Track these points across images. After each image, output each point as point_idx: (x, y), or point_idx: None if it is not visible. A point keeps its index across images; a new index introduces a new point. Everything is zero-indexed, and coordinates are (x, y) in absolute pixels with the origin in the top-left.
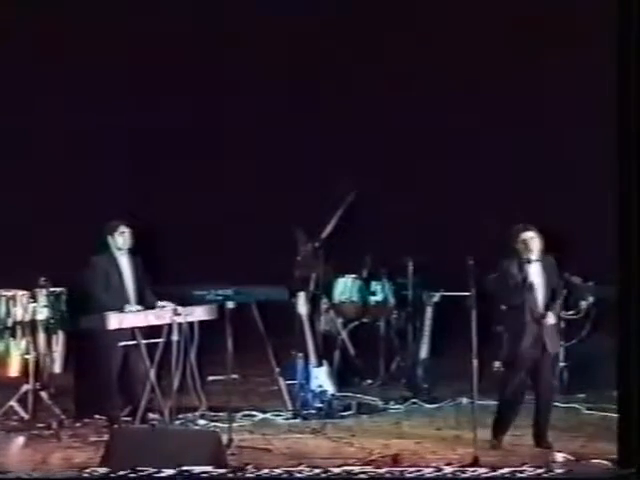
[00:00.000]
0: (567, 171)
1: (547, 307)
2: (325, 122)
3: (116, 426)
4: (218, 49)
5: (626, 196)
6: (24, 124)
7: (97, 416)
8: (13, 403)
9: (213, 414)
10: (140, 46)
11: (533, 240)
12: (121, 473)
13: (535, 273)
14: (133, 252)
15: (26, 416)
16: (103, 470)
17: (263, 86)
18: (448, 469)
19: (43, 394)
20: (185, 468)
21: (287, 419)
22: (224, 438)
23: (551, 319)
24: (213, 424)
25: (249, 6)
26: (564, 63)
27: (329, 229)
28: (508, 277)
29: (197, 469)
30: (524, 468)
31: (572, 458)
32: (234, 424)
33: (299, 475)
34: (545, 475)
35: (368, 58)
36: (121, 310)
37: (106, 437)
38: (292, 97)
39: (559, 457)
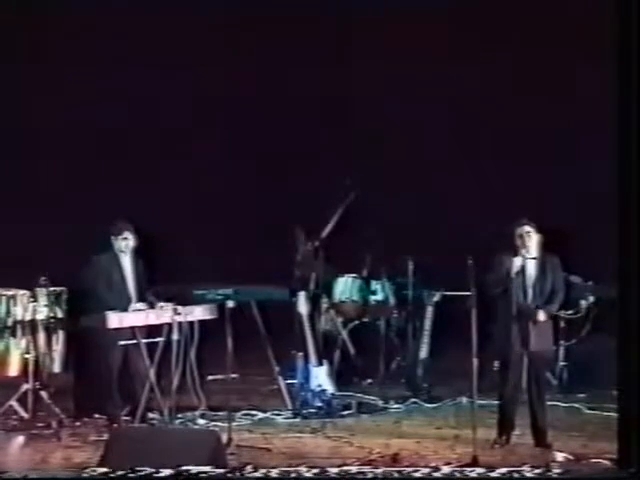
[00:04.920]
0: (567, 170)
1: (536, 304)
2: (324, 121)
3: (116, 425)
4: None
5: (626, 196)
6: (25, 124)
7: (97, 415)
8: (13, 402)
9: (213, 413)
10: (139, 48)
11: (529, 236)
12: (121, 473)
13: (529, 269)
14: (134, 252)
15: (26, 415)
16: (103, 470)
17: (263, 85)
18: (447, 469)
19: (43, 393)
20: (185, 468)
21: (287, 418)
22: (224, 437)
23: (540, 316)
24: (213, 423)
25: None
26: (565, 62)
27: (329, 228)
28: (498, 270)
29: (197, 469)
30: (524, 468)
31: (572, 458)
32: (234, 423)
33: (306, 474)
34: (545, 475)
35: (368, 57)
36: (126, 309)
37: (106, 436)
38: (292, 97)
39: (559, 457)
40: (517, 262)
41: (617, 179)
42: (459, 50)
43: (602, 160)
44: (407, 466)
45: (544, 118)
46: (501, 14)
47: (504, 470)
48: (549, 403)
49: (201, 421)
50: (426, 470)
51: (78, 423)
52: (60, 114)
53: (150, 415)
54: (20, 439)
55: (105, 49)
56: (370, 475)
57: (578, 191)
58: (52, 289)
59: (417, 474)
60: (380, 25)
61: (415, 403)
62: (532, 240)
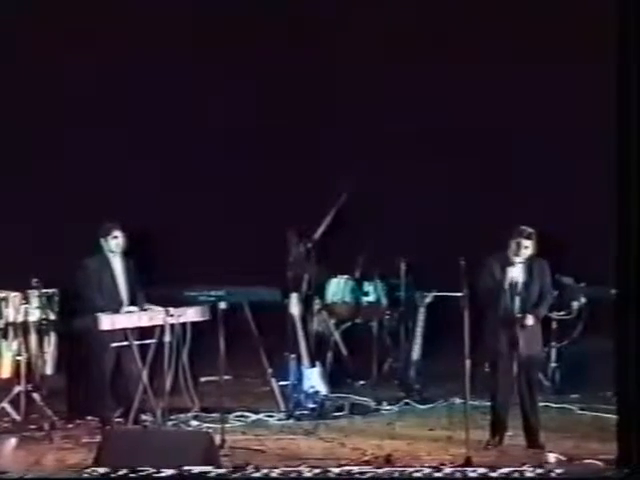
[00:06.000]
0: (563, 171)
1: (524, 309)
2: (322, 122)
3: (108, 427)
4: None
5: (622, 197)
6: (23, 125)
7: (89, 417)
8: (5, 405)
9: (206, 415)
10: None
11: (526, 248)
12: (121, 473)
13: (518, 275)
14: (126, 254)
15: (18, 418)
16: (101, 470)
17: (262, 85)
18: (448, 469)
19: (35, 395)
20: (186, 468)
21: (280, 420)
22: (217, 439)
23: (529, 321)
24: (206, 425)
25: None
26: (564, 62)
27: (321, 230)
28: (487, 274)
29: (198, 469)
30: (516, 468)
31: (565, 459)
32: (227, 425)
33: (306, 474)
34: (538, 476)
35: (368, 57)
36: (118, 311)
37: (99, 438)
38: (290, 97)
39: (552, 458)
40: (508, 269)
41: (616, 180)
42: (458, 50)
43: (599, 161)
44: (400, 467)
45: (543, 118)
46: (501, 14)
47: (498, 470)
48: (541, 404)
49: (194, 423)
50: (427, 470)
51: (71, 425)
52: (59, 115)
53: (143, 417)
54: (12, 441)
55: (104, 49)
56: (369, 475)
57: (572, 192)
58: (44, 291)
59: (418, 474)
60: (381, 25)
61: (408, 404)
62: (526, 252)
